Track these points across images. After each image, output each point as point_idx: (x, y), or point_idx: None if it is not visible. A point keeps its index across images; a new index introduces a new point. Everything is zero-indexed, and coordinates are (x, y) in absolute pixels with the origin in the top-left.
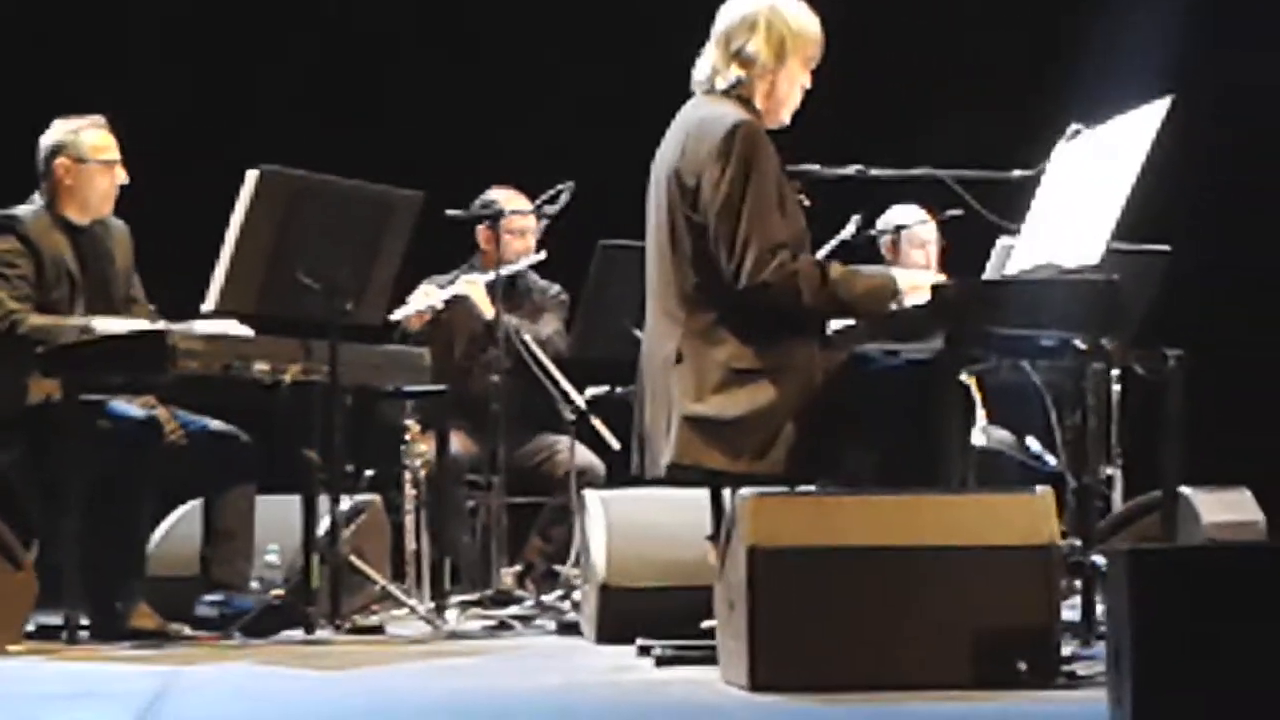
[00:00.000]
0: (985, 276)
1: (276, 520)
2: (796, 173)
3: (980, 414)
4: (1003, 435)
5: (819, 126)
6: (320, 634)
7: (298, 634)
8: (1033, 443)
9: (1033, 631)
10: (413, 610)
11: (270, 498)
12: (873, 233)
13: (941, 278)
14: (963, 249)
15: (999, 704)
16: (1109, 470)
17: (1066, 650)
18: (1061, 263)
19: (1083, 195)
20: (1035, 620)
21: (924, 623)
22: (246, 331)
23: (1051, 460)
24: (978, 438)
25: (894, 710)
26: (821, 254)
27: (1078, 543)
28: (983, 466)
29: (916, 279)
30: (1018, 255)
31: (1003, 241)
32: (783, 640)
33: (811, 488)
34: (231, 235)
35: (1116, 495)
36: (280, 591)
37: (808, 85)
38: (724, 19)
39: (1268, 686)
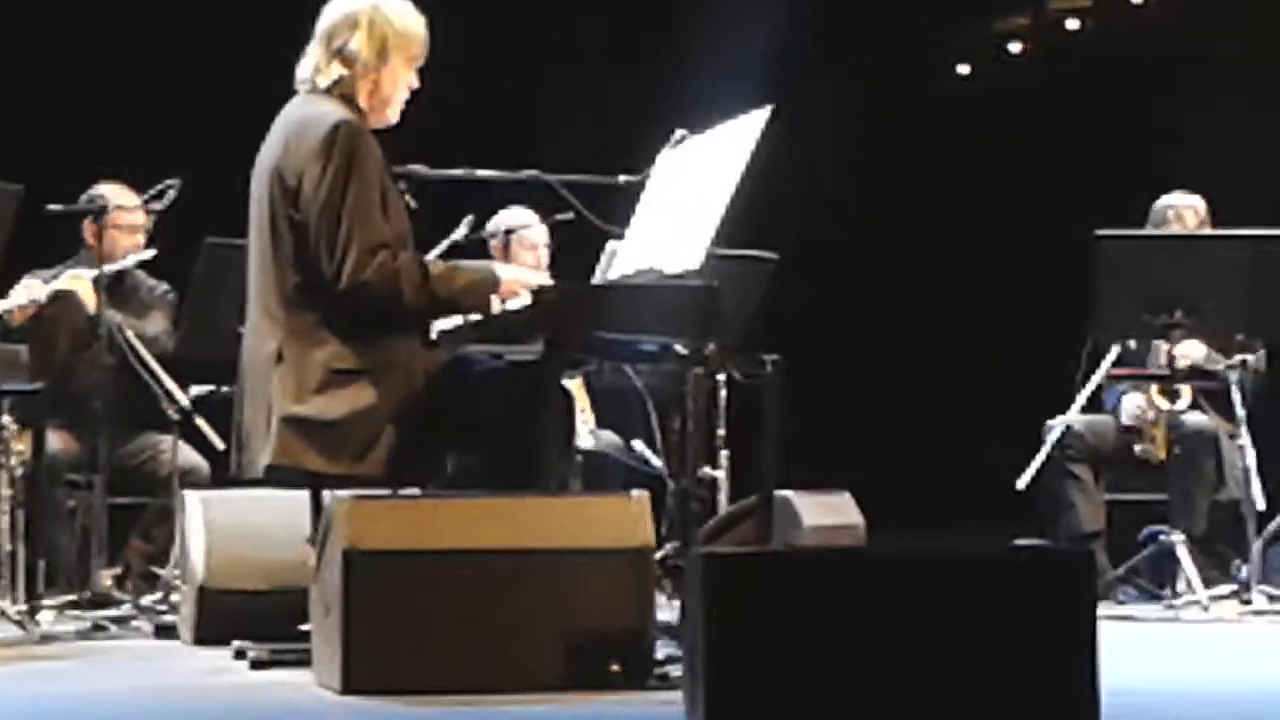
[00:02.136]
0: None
1: None
2: (402, 173)
3: (589, 417)
4: (610, 438)
5: (430, 127)
6: None
7: None
8: (639, 446)
9: (627, 633)
10: (2, 613)
11: None
12: (483, 235)
13: (545, 279)
14: (575, 253)
15: (589, 706)
16: (713, 473)
17: (662, 652)
18: (664, 268)
19: (685, 201)
20: (629, 622)
21: (520, 625)
22: None
23: (658, 463)
24: (585, 441)
25: (483, 713)
26: (432, 255)
27: (677, 545)
28: (589, 469)
29: (519, 273)
30: (621, 260)
31: (611, 246)
32: (376, 643)
33: (414, 490)
34: None
35: (722, 498)
36: None
37: (415, 84)
38: (327, 17)
39: (839, 690)
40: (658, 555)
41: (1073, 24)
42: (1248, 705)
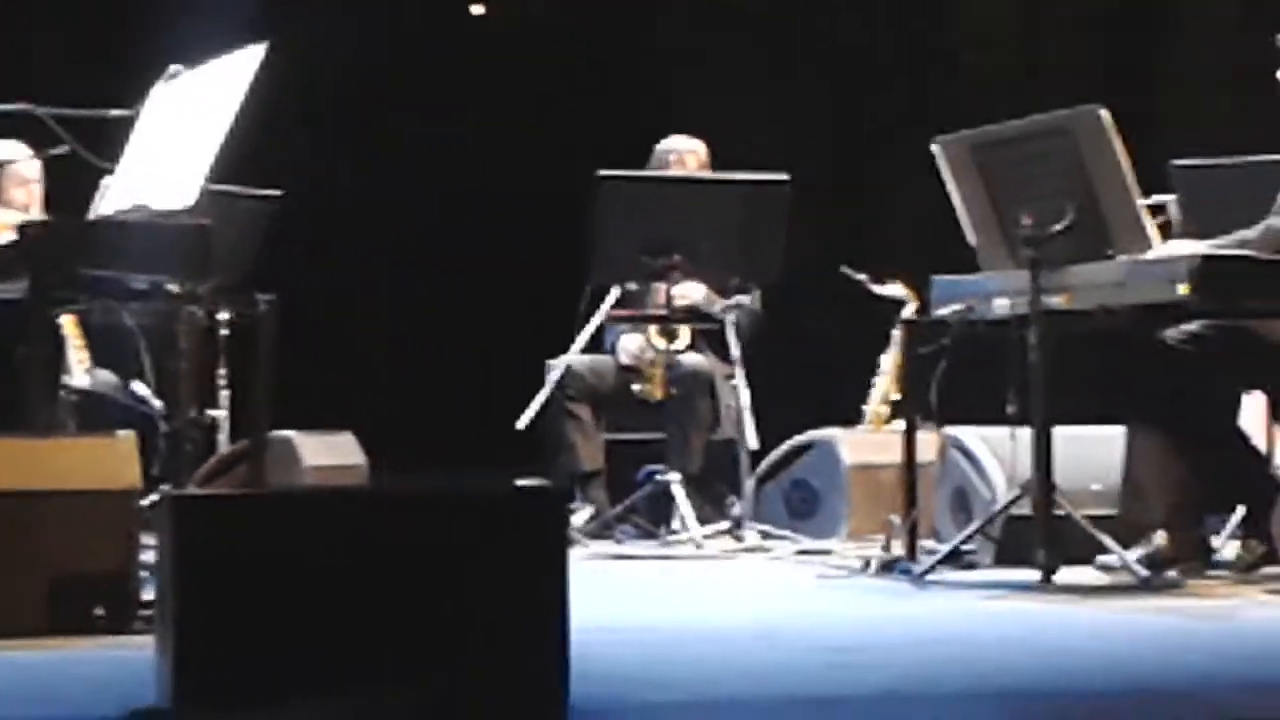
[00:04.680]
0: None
1: None
2: None
3: (85, 356)
4: (106, 378)
5: None
6: None
7: None
8: (138, 386)
9: (109, 577)
10: None
11: None
12: None
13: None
14: (73, 190)
15: (67, 650)
16: (214, 414)
17: (151, 596)
18: (155, 205)
19: (179, 137)
20: (113, 566)
21: (2, 569)
22: None
23: (156, 404)
24: (81, 380)
25: None
26: None
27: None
28: (86, 410)
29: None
30: (112, 196)
31: (105, 182)
32: None
33: None
34: None
35: (223, 438)
36: None
37: None
38: None
39: (309, 634)
40: (150, 498)
41: None
42: (729, 638)
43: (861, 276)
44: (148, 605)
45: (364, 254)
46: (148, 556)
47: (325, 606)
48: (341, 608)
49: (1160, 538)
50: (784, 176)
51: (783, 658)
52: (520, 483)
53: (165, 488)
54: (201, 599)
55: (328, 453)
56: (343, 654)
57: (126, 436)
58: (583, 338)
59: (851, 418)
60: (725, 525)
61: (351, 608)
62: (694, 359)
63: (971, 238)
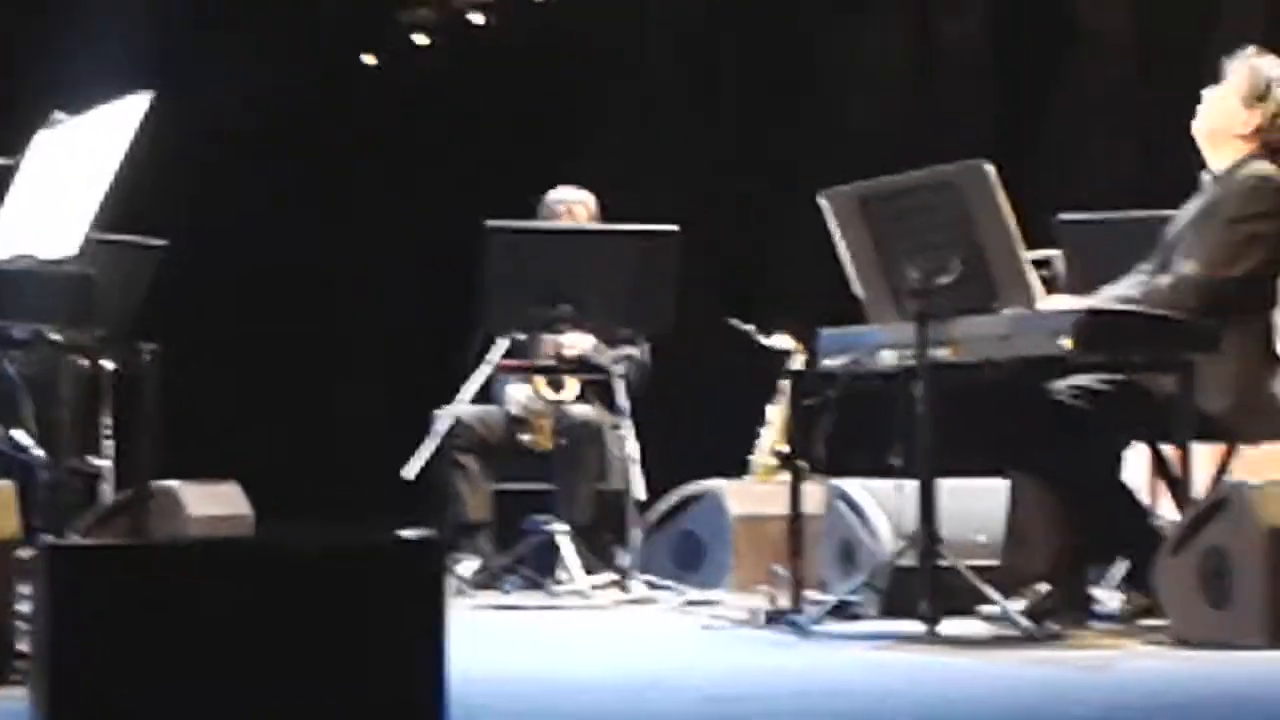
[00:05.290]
0: None
1: None
2: None
3: None
4: None
5: None
6: None
7: None
8: (19, 435)
9: None
10: None
11: None
12: None
13: None
14: None
15: None
16: (99, 463)
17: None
18: (39, 253)
19: (62, 186)
20: None
21: None
22: None
23: (39, 453)
24: None
25: None
26: None
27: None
28: None
29: None
30: None
31: None
32: None
33: None
34: None
35: (108, 488)
36: None
37: None
38: None
39: (180, 685)
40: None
41: (477, 18)
42: (614, 689)
43: (749, 328)
44: (23, 656)
45: (250, 302)
46: (24, 607)
47: (205, 658)
48: (221, 660)
49: (1042, 588)
50: (673, 227)
51: (667, 708)
52: (401, 534)
53: (45, 538)
54: (78, 650)
55: (213, 503)
56: (221, 706)
57: (6, 486)
58: (471, 388)
59: (739, 469)
60: (612, 576)
61: (231, 660)
62: (582, 410)
63: (859, 290)
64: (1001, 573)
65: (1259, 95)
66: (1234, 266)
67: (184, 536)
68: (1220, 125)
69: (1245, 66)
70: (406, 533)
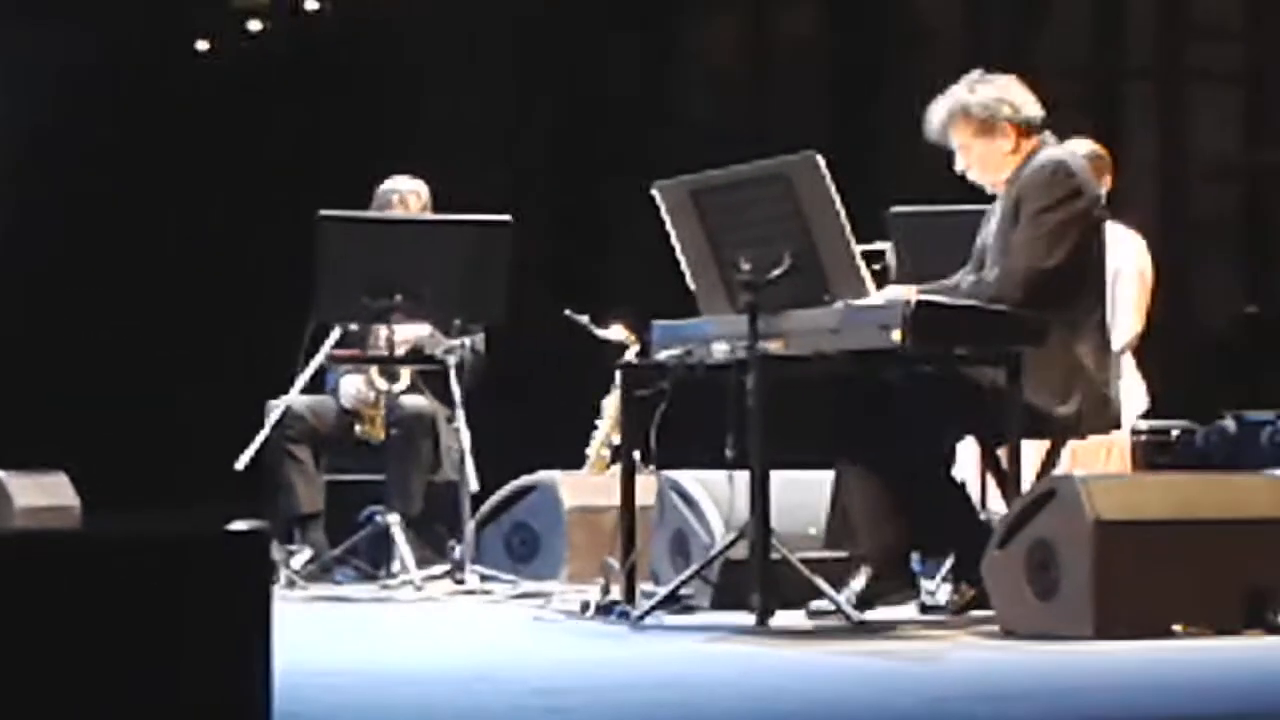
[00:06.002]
0: None
1: None
2: None
3: None
4: None
5: None
6: None
7: None
8: None
9: None
10: None
11: None
12: None
13: None
14: None
15: None
16: None
17: None
18: None
19: None
20: None
21: None
22: None
23: None
24: None
25: None
26: None
27: None
28: None
29: None
30: None
31: None
32: None
33: None
34: None
35: None
36: None
37: None
38: None
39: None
40: None
41: (312, 4)
42: (445, 681)
43: (584, 319)
44: None
45: (79, 290)
46: None
47: (25, 651)
48: (43, 652)
49: (867, 573)
50: (506, 218)
51: (497, 701)
52: (229, 525)
53: None
54: None
55: (39, 493)
56: (42, 700)
57: None
58: (303, 378)
59: (573, 461)
60: (445, 567)
61: (52, 652)
62: (415, 400)
63: (691, 282)
64: (826, 542)
65: (989, 121)
66: (1050, 256)
67: (6, 527)
68: (990, 166)
69: (956, 114)
70: (235, 524)
